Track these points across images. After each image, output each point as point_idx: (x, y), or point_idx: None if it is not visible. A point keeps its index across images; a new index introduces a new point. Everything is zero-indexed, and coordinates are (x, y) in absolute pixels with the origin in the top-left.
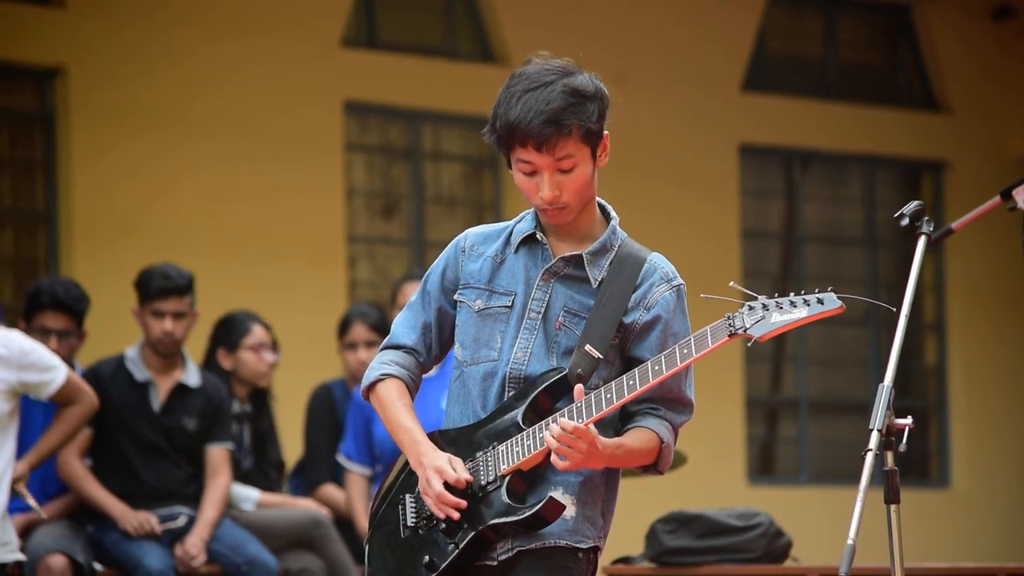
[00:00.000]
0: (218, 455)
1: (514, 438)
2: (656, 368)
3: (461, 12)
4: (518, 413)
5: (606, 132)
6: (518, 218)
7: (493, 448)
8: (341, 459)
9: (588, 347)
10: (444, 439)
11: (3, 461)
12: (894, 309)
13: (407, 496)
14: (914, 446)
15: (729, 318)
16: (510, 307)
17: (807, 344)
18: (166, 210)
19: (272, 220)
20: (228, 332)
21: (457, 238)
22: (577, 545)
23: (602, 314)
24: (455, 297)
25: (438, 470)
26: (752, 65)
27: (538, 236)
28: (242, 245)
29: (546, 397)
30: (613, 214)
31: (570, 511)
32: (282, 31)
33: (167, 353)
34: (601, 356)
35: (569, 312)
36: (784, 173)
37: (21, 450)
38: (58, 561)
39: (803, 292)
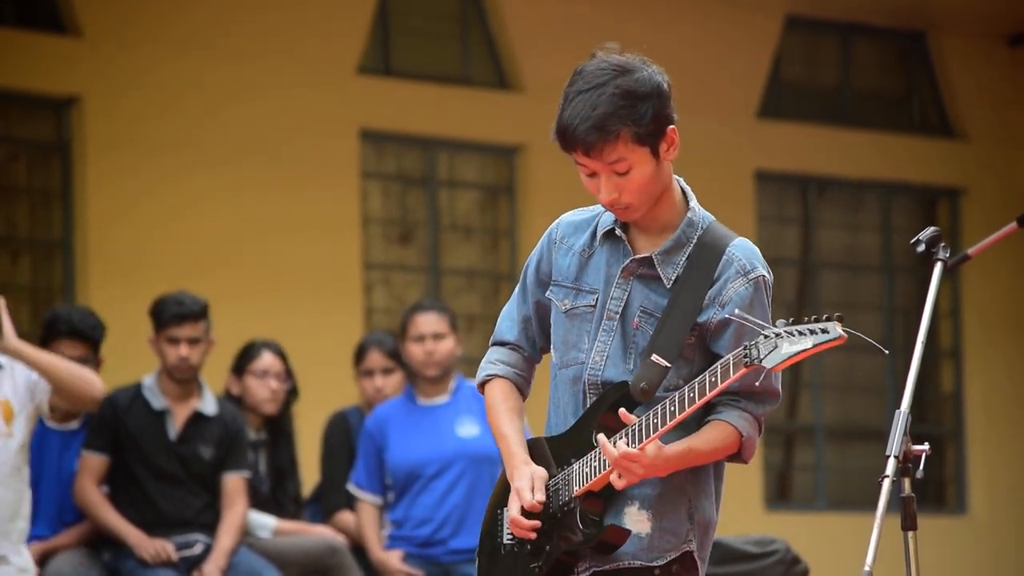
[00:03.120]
0: (235, 483)
1: (586, 456)
2: (691, 395)
3: (476, 39)
4: (591, 429)
5: (671, 127)
6: None
7: (570, 465)
8: (352, 488)
9: (655, 356)
10: (538, 448)
11: (20, 489)
12: (886, 352)
13: (505, 511)
14: (931, 473)
15: (746, 347)
16: (594, 306)
17: (823, 370)
18: (182, 238)
19: (288, 247)
20: (240, 358)
21: (551, 227)
22: (651, 564)
23: (674, 316)
24: (547, 295)
25: (517, 491)
26: (768, 92)
27: (617, 231)
28: (258, 272)
29: (613, 416)
30: (692, 203)
31: (644, 528)
32: (298, 58)
33: (184, 380)
34: (669, 365)
35: (645, 312)
36: (800, 199)
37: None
38: None
39: (813, 318)
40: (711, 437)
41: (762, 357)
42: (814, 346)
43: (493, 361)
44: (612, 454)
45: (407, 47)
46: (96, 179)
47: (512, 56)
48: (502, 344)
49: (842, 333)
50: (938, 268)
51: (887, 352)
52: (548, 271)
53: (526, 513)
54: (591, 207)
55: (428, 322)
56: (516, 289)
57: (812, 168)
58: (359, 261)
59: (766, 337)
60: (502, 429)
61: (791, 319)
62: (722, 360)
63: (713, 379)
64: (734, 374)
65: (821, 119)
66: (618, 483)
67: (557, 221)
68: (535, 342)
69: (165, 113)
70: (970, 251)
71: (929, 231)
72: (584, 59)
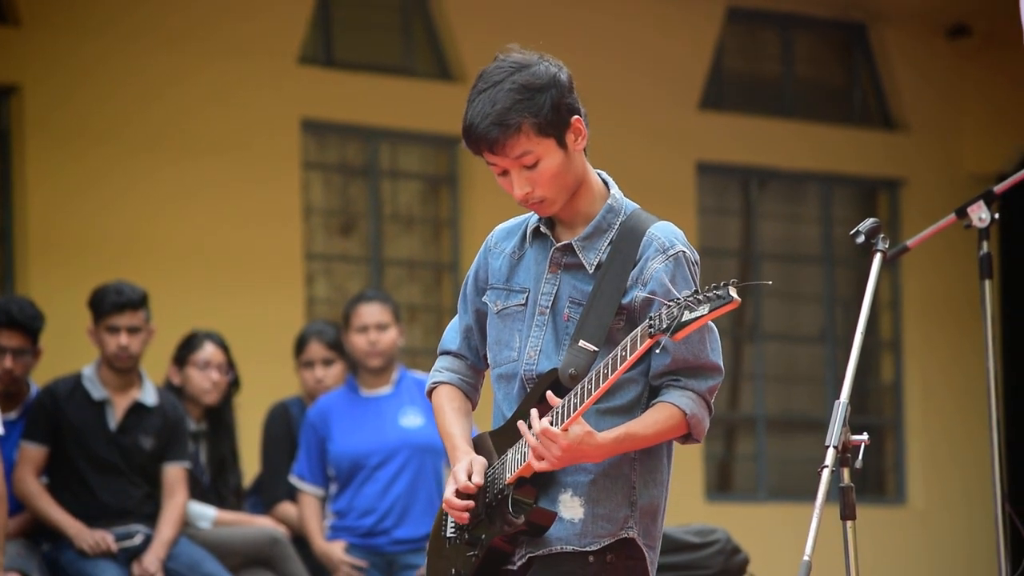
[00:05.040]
0: (175, 474)
1: (516, 445)
2: (604, 372)
3: (418, 30)
4: (525, 419)
5: (576, 117)
6: None
7: (505, 455)
8: (294, 480)
9: (582, 342)
10: (482, 443)
11: None
12: (769, 283)
13: None
14: (871, 463)
15: (651, 319)
16: (524, 304)
17: (764, 361)
18: (122, 228)
19: (229, 238)
20: (181, 348)
21: (488, 236)
22: (584, 549)
23: (599, 301)
24: (483, 299)
25: (454, 474)
26: (709, 83)
27: (542, 228)
28: (199, 263)
29: (545, 403)
30: (613, 189)
31: (577, 513)
32: (238, 47)
33: (124, 369)
34: (597, 349)
35: (574, 302)
36: (741, 191)
37: None
38: None
39: (712, 286)
40: (652, 420)
41: (663, 326)
42: (711, 311)
43: (439, 369)
44: (530, 438)
45: (349, 37)
46: (36, 169)
47: (454, 47)
48: (447, 353)
49: (736, 297)
50: (877, 259)
51: (770, 283)
52: (484, 278)
53: (461, 496)
54: (523, 215)
55: (372, 312)
56: (459, 302)
57: (753, 159)
58: (300, 252)
59: (668, 306)
60: (447, 428)
61: (694, 290)
62: (631, 334)
63: (623, 353)
64: (640, 346)
65: (762, 111)
66: (538, 465)
67: (492, 231)
68: (477, 351)
69: (105, 102)
70: (909, 243)
71: (869, 222)
72: (527, 50)
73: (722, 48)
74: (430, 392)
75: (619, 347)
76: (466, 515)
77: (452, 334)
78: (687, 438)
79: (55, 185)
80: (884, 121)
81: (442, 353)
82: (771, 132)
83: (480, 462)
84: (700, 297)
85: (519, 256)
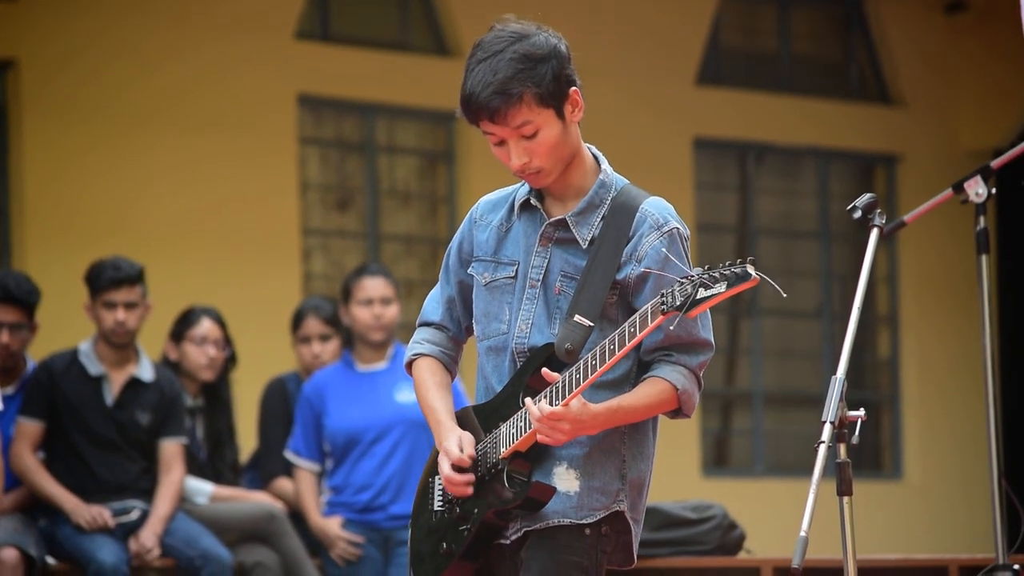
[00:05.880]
0: (172, 449)
1: (512, 419)
2: (611, 347)
3: (415, 5)
4: (519, 392)
5: (573, 88)
6: (523, 182)
7: (498, 428)
8: (289, 455)
9: (577, 317)
10: (466, 418)
11: None
12: (784, 295)
13: (436, 479)
14: (867, 438)
15: (663, 295)
16: (514, 277)
17: (761, 336)
18: (119, 204)
19: (226, 213)
20: (178, 324)
21: (472, 209)
22: (581, 522)
23: (594, 276)
24: (468, 271)
25: (445, 451)
26: (706, 58)
27: (532, 201)
28: (196, 238)
29: (539, 376)
30: (604, 164)
31: (573, 486)
32: (235, 22)
33: (121, 344)
34: (592, 324)
35: (566, 276)
36: (738, 166)
37: None
38: (10, 555)
39: (727, 263)
40: (643, 393)
41: (677, 303)
42: (728, 289)
43: (419, 341)
44: (536, 415)
45: (346, 12)
46: (32, 144)
47: (451, 22)
48: (427, 325)
49: (755, 275)
50: (874, 234)
51: (784, 296)
52: (470, 250)
53: (459, 470)
54: (509, 187)
55: (376, 286)
56: (440, 272)
57: (750, 135)
58: (297, 227)
59: (681, 284)
60: (430, 403)
61: (706, 266)
62: (640, 310)
63: (632, 329)
64: (652, 322)
65: (759, 86)
66: (546, 441)
67: (477, 202)
68: (459, 322)
69: (101, 76)
70: (906, 218)
71: (866, 198)
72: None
73: (719, 23)
74: (410, 363)
75: (627, 323)
76: (469, 488)
77: (433, 304)
78: (677, 413)
79: (52, 160)
80: (881, 96)
81: (422, 324)
82: (768, 107)
83: (469, 438)
84: (716, 274)
85: (507, 228)
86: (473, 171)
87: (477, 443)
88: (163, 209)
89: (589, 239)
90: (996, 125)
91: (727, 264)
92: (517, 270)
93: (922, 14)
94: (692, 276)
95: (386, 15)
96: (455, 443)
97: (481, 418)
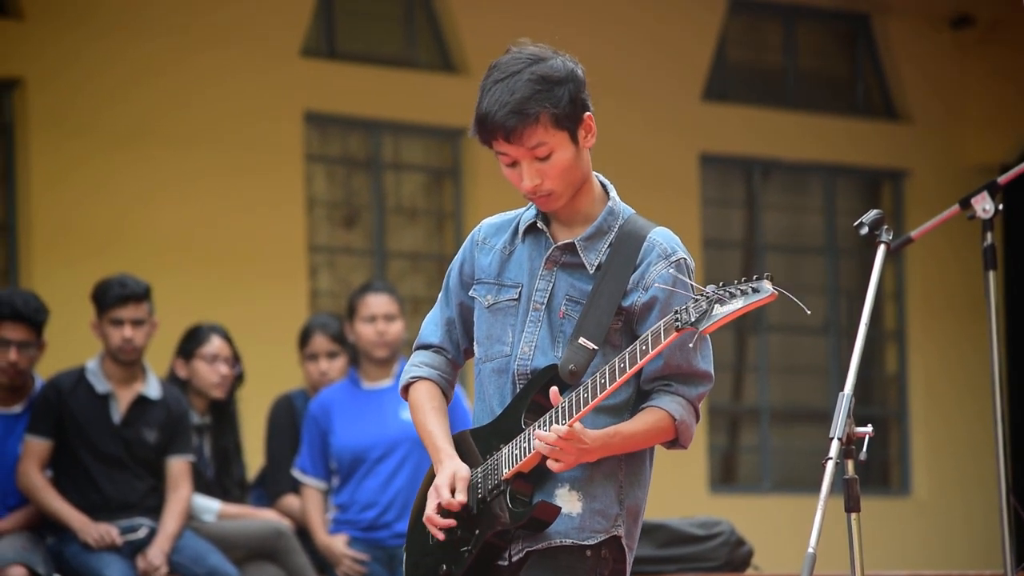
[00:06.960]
0: (179, 467)
1: (515, 440)
2: (621, 366)
3: (421, 22)
4: (520, 413)
5: (588, 113)
6: (528, 206)
7: (499, 450)
8: (296, 473)
9: (582, 339)
10: (463, 442)
11: None
12: (808, 312)
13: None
14: (875, 454)
15: (676, 312)
16: (517, 300)
17: (768, 353)
18: (126, 221)
19: (233, 231)
20: (187, 341)
21: (474, 230)
22: (583, 543)
23: (599, 301)
24: (470, 294)
25: (436, 488)
26: (712, 74)
27: (539, 224)
28: (204, 256)
29: (544, 396)
30: (612, 193)
31: (575, 508)
32: (242, 40)
33: (128, 362)
34: (596, 347)
35: (571, 300)
36: (744, 182)
37: None
38: (18, 573)
39: (743, 279)
40: (641, 421)
41: (693, 320)
42: (745, 305)
43: (417, 364)
44: (551, 439)
45: (351, 29)
46: (40, 162)
47: (457, 39)
48: (426, 347)
49: (773, 290)
50: (881, 250)
51: (808, 312)
52: (471, 272)
53: (444, 512)
54: (512, 211)
55: (380, 303)
56: (440, 294)
57: (756, 151)
58: (304, 244)
59: (696, 300)
60: (427, 427)
61: (720, 283)
62: (652, 327)
63: (644, 347)
64: (666, 339)
65: (765, 102)
66: (555, 466)
67: (480, 224)
68: (458, 344)
69: (109, 95)
70: (913, 233)
71: (872, 214)
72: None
73: (726, 39)
74: (407, 387)
75: (638, 340)
76: (443, 534)
77: (432, 327)
78: (673, 443)
79: (58, 178)
80: (887, 112)
81: (421, 347)
82: (774, 123)
83: (463, 476)
84: (733, 291)
85: (510, 251)
86: (479, 187)
87: (476, 467)
88: (170, 227)
89: (596, 264)
90: (1003, 141)
91: (743, 280)
92: (520, 292)
93: (928, 30)
94: (707, 292)
95: (392, 32)
96: (447, 481)
97: (480, 441)
